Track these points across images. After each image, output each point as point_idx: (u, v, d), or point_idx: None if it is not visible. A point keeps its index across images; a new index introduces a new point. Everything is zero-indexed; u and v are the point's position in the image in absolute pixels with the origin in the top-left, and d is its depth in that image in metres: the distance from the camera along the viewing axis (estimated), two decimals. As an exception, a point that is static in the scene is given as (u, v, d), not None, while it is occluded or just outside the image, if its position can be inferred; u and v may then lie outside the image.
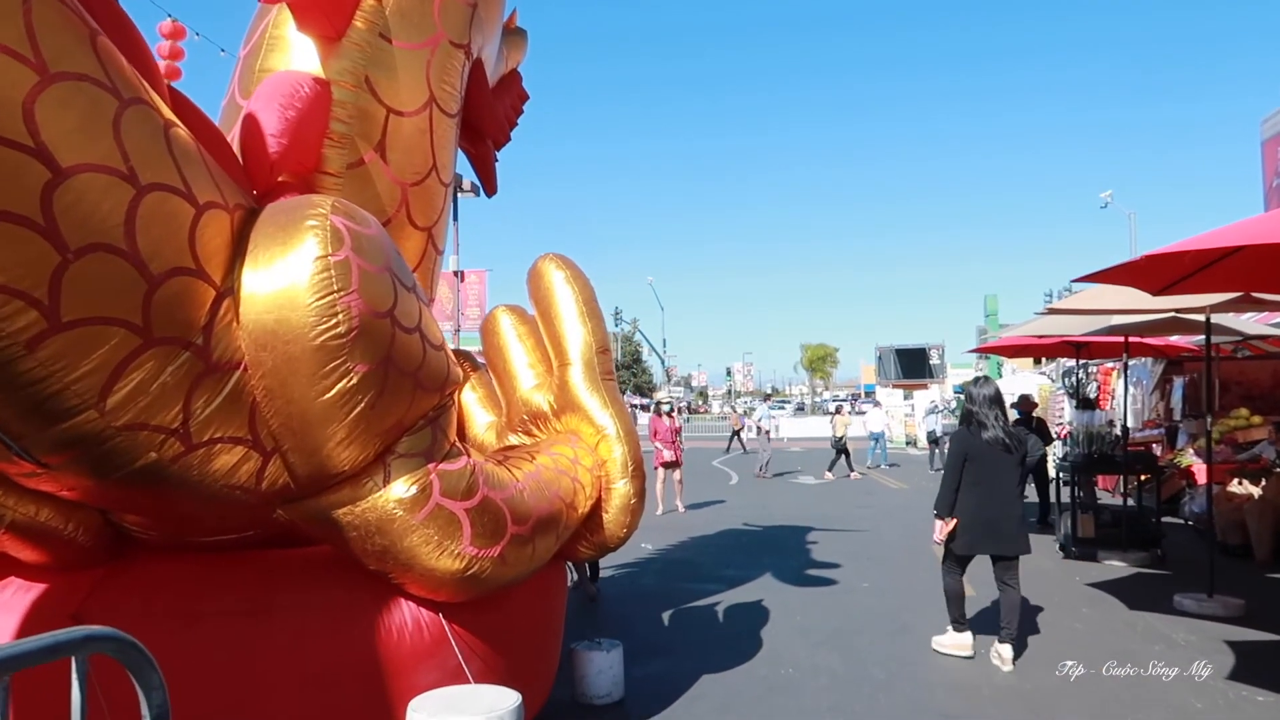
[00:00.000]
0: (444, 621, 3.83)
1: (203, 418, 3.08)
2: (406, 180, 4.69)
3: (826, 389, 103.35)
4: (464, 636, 3.90)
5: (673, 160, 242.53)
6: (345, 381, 3.22)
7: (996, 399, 6.21)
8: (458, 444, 3.84)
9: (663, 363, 79.16)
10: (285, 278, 3.15)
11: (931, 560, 9.58)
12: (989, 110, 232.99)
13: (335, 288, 3.17)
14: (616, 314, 64.45)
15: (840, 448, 20.37)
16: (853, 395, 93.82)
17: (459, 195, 26.64)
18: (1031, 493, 13.02)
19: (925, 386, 37.23)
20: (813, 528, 12.25)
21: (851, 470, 20.38)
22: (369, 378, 3.28)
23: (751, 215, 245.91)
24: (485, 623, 4.02)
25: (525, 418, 4.96)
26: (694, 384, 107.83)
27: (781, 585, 8.62)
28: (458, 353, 5.53)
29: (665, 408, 14.69)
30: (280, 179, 4.21)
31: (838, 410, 23.62)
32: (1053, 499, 12.75)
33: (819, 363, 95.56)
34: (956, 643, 6.25)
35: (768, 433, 22.19)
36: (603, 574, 9.45)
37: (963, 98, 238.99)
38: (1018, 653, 6.25)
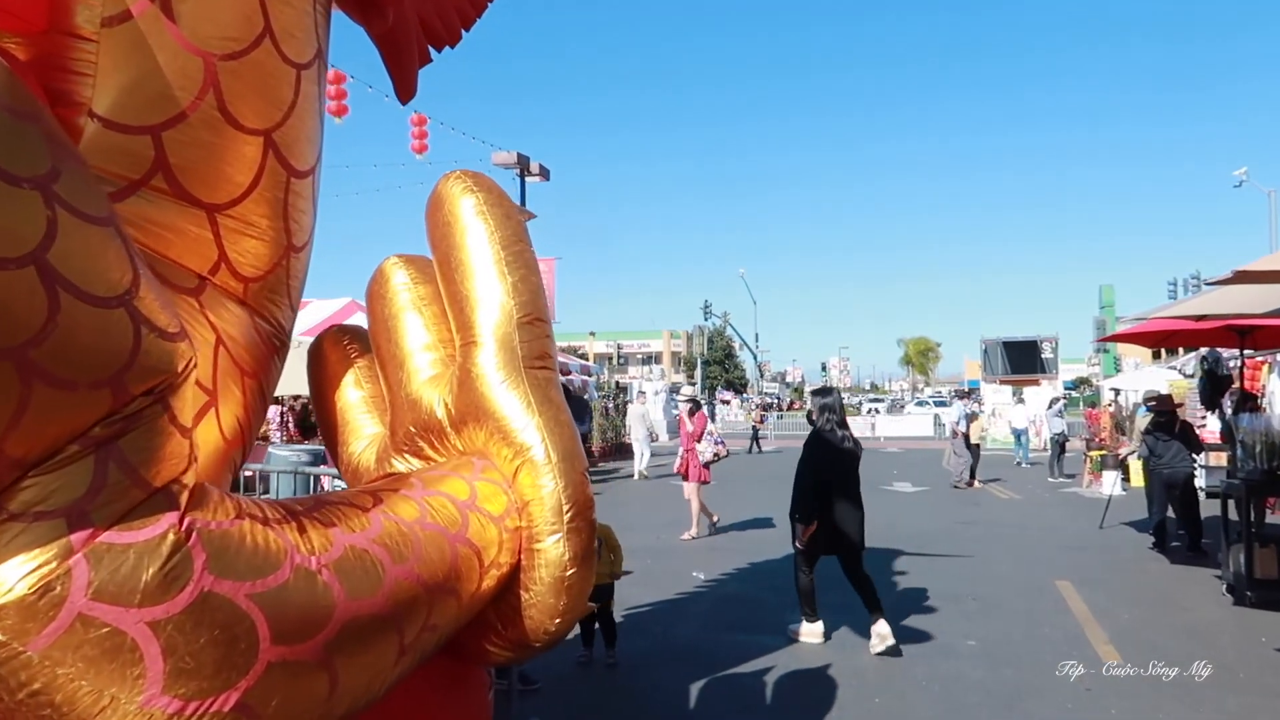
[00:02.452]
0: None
1: None
2: (213, 50, 2.89)
3: (928, 384, 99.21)
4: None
5: (764, 146, 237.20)
6: None
7: (843, 408, 7.04)
8: (175, 486, 2.02)
9: (755, 358, 76.74)
10: None
11: (1060, 611, 7.39)
12: (1100, 86, 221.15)
13: None
14: (706, 307, 62.21)
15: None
16: (956, 392, 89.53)
17: (525, 179, 25.01)
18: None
19: (1036, 383, 34.13)
20: (904, 552, 10.12)
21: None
22: None
23: (849, 206, 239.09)
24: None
25: (413, 430, 3.12)
26: (789, 379, 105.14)
27: (860, 641, 6.59)
28: (345, 329, 3.74)
29: (686, 406, 12.24)
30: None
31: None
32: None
33: (920, 357, 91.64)
34: (810, 630, 6.66)
35: (965, 435, 17.65)
36: (639, 610, 7.61)
37: (1071, 73, 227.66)
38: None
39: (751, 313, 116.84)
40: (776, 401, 72.80)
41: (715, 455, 11.67)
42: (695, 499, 11.52)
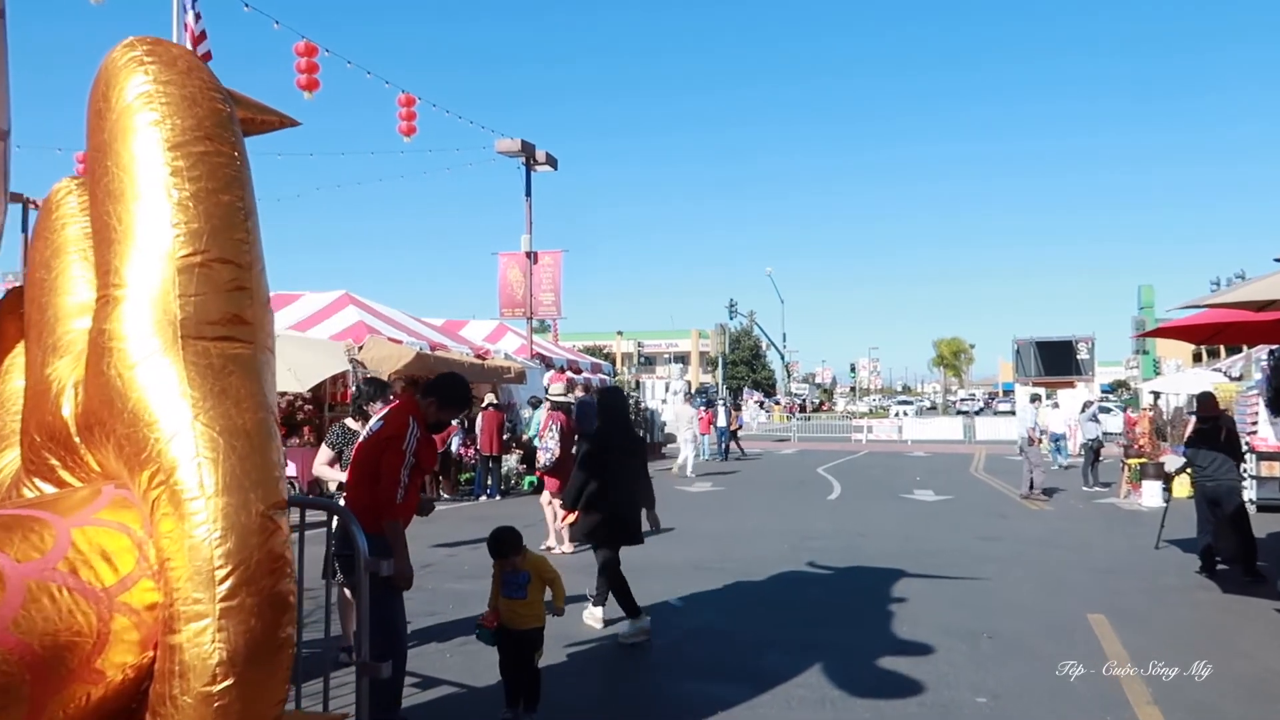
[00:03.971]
0: None
1: None
2: None
3: (961, 386, 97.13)
4: None
5: (795, 146, 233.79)
6: None
7: (626, 407, 7.80)
8: None
9: (782, 358, 75.23)
10: None
11: (1093, 655, 6.08)
12: (1141, 89, 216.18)
13: None
14: (731, 306, 60.76)
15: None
16: (989, 394, 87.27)
17: (531, 169, 23.89)
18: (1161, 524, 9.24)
19: (1071, 385, 32.54)
20: (911, 574, 8.86)
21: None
22: None
23: (880, 206, 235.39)
24: None
25: (38, 438, 1.98)
26: (818, 380, 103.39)
27: (840, 696, 5.38)
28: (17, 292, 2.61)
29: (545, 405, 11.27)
30: None
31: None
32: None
33: (952, 359, 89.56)
34: (592, 614, 6.87)
35: (1038, 441, 16.22)
36: (591, 644, 6.44)
37: (1112, 77, 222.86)
38: None
39: (779, 312, 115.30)
40: (803, 401, 71.30)
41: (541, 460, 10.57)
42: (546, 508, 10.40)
